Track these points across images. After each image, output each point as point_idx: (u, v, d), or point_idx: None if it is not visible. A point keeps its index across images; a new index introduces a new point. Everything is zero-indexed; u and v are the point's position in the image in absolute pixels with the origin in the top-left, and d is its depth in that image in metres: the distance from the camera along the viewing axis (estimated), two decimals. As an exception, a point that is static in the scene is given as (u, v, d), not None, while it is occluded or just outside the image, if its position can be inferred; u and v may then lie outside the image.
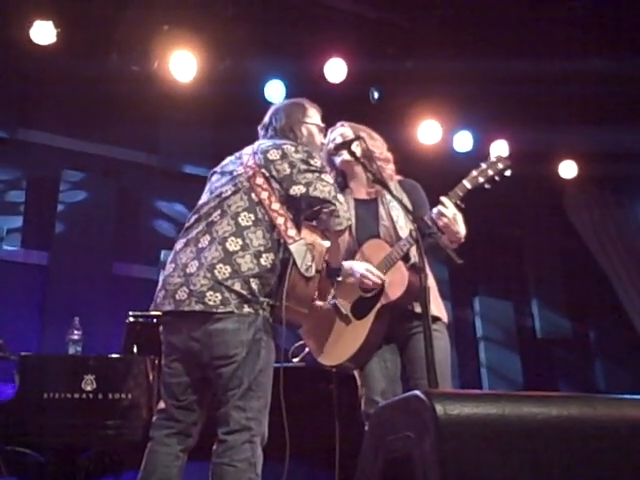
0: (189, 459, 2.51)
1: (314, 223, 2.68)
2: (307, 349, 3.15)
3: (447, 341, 2.97)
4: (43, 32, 4.89)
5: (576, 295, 7.40)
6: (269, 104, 2.94)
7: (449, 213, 2.79)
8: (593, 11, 5.20)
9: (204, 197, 2.69)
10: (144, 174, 6.11)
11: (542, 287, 7.46)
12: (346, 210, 2.60)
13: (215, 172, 2.76)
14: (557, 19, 5.31)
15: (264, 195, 2.54)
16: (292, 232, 2.51)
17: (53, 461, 3.17)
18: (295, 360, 3.66)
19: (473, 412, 1.43)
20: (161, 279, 2.60)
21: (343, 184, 3.15)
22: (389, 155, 3.17)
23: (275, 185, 2.56)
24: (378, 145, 3.14)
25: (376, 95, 5.82)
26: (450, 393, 1.51)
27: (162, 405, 2.53)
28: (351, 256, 2.98)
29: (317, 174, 2.58)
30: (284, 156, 2.59)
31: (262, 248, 2.48)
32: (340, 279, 2.91)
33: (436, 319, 2.89)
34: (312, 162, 2.60)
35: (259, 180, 2.56)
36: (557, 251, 7.53)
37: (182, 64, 5.25)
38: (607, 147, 6.16)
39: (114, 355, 3.55)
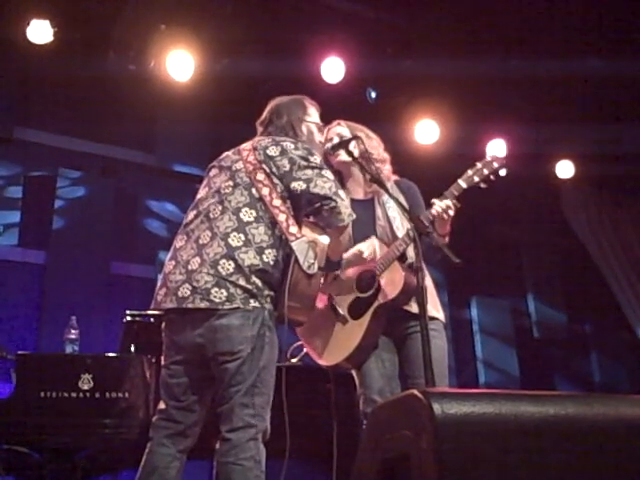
0: (189, 458, 2.50)
1: (315, 220, 2.66)
2: (305, 350, 3.15)
3: (444, 340, 2.98)
4: (40, 31, 4.87)
5: (573, 294, 7.42)
6: (266, 103, 2.93)
7: (450, 211, 2.82)
8: (590, 11, 5.21)
9: (202, 192, 2.65)
10: (141, 173, 6.12)
11: (539, 286, 7.48)
12: (347, 206, 2.56)
13: (213, 166, 2.72)
14: (554, 19, 5.32)
15: (265, 191, 2.52)
16: (294, 229, 2.49)
17: (50, 460, 3.16)
18: (293, 361, 3.66)
19: (470, 411, 1.43)
20: (160, 277, 2.58)
21: (339, 184, 3.15)
22: (386, 155, 3.16)
23: (276, 181, 2.54)
24: (375, 145, 3.12)
25: (373, 95, 5.82)
26: (447, 392, 1.51)
27: (162, 406, 2.51)
28: None
29: (317, 170, 2.55)
30: (284, 152, 2.57)
31: (264, 244, 2.46)
32: (339, 273, 2.91)
33: (433, 318, 2.89)
34: (312, 159, 2.57)
35: (260, 176, 2.54)
36: (554, 250, 7.55)
37: (179, 63, 5.23)
38: (604, 147, 6.18)
39: (111, 354, 3.55)
